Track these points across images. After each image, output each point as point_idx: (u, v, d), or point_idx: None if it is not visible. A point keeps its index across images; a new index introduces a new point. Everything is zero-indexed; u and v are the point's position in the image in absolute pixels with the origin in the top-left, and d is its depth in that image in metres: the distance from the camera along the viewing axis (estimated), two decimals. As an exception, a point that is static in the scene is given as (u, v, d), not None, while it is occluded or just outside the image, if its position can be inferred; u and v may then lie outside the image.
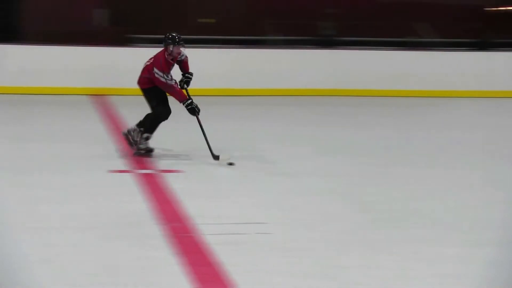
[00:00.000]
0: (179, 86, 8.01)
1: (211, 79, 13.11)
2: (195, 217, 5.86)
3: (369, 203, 6.59)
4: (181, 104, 7.92)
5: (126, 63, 13.45)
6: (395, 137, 10.06)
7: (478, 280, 4.69)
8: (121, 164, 7.83)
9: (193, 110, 7.90)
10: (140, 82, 8.11)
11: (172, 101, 8.08)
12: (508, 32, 15.49)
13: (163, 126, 8.12)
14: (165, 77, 7.84)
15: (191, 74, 8.21)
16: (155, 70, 7.86)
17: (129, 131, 8.11)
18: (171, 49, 7.94)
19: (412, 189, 7.10)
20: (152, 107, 8.09)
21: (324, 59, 14.36)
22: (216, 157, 7.90)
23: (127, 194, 6.63)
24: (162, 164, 7.85)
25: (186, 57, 8.19)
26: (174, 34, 7.96)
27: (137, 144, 8.08)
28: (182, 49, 8.03)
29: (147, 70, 7.99)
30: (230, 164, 7.79)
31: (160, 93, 8.02)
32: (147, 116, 8.10)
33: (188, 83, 8.18)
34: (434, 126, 11.20)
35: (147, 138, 8.10)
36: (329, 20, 15.05)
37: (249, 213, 6.15)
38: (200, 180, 7.35)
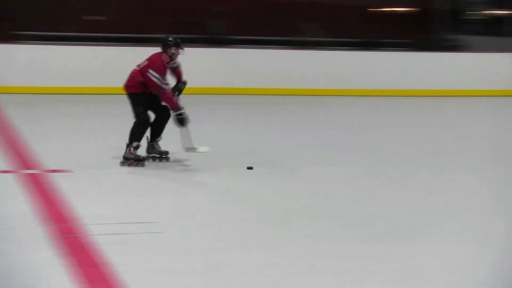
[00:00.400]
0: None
1: (102, 76, 12.89)
2: (82, 217, 5.74)
3: (265, 201, 6.62)
4: (171, 111, 7.67)
5: (12, 60, 13.10)
6: (285, 135, 10.16)
7: (359, 275, 4.79)
8: (3, 164, 7.59)
9: (182, 121, 7.64)
10: (129, 86, 7.77)
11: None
12: (391, 33, 15.93)
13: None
14: (161, 80, 7.58)
15: (185, 83, 7.95)
16: (151, 72, 7.59)
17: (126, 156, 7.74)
18: (172, 51, 7.72)
19: (311, 187, 7.16)
20: (137, 114, 7.73)
21: (213, 58, 14.36)
22: (191, 149, 7.74)
23: (10, 195, 6.43)
24: (49, 163, 7.64)
25: (179, 64, 7.92)
26: (173, 37, 7.75)
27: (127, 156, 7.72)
28: (180, 51, 7.80)
29: (141, 73, 7.69)
30: (249, 168, 7.68)
31: (149, 99, 7.73)
32: (134, 124, 7.75)
33: (180, 91, 7.90)
34: (323, 124, 11.39)
35: (137, 147, 7.73)
36: (218, 19, 15.09)
37: (140, 213, 6.07)
38: (88, 180, 7.20)
